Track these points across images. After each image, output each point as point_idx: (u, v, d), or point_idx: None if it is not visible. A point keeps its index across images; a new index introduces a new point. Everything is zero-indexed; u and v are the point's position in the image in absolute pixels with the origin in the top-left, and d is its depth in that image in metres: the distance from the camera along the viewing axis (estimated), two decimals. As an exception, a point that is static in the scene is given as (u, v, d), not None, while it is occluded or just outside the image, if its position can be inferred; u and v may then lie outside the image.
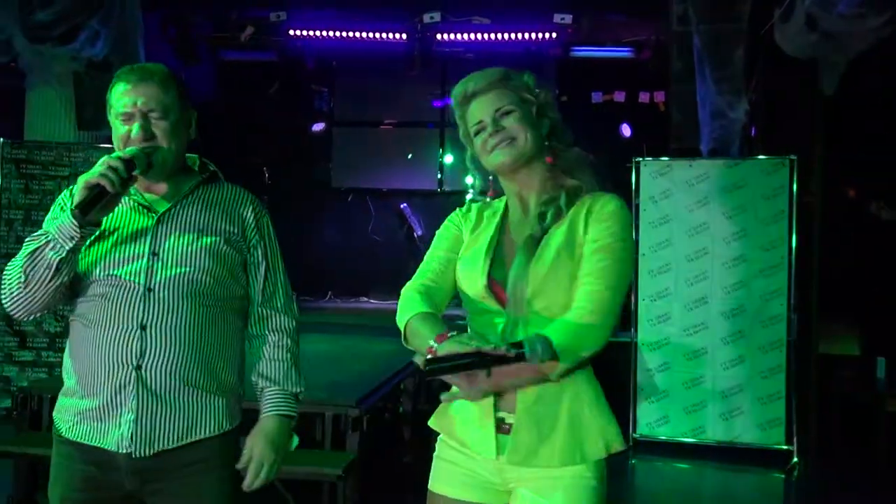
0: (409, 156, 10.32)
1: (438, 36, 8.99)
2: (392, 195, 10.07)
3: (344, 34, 9.24)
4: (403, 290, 2.09)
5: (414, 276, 2.12)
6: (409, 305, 2.02)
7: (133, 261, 2.11)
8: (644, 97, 9.05)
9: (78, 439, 2.11)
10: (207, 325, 2.15)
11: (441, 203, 9.98)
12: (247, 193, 2.33)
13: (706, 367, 6.22)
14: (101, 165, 2.01)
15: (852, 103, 6.71)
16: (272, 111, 9.99)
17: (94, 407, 2.09)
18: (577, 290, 1.91)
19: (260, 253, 2.28)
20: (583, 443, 1.94)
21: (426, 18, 8.66)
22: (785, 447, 6.03)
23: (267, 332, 2.30)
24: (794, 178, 6.10)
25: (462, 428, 2.02)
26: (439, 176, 10.05)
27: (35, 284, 2.06)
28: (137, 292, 2.09)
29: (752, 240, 6.15)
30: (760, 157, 6.33)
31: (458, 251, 2.11)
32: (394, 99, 10.18)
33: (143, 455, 2.07)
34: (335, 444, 4.19)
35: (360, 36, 9.24)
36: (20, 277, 2.07)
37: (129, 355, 2.07)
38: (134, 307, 2.08)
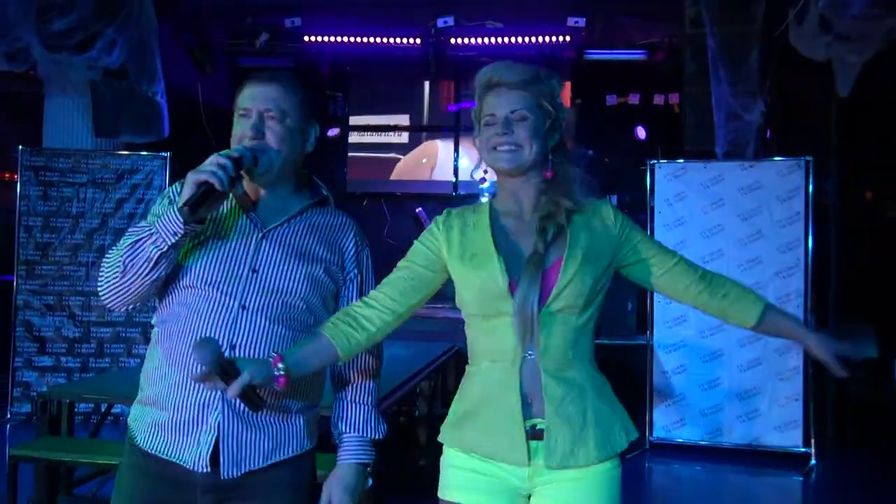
0: (424, 160, 10.34)
1: (452, 40, 9.00)
2: (407, 199, 10.08)
3: (358, 39, 9.28)
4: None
5: (375, 289, 2.12)
6: (330, 320, 2.05)
7: (232, 273, 2.06)
8: (659, 99, 9.04)
9: (154, 451, 2.05)
10: (292, 344, 2.07)
11: (456, 207, 9.98)
12: (351, 222, 2.27)
13: (723, 370, 6.20)
14: (209, 163, 1.97)
15: (867, 105, 6.68)
16: (287, 117, 10.01)
17: (174, 421, 2.03)
18: (685, 276, 2.16)
19: (356, 287, 2.22)
20: (610, 435, 1.99)
21: (440, 23, 8.68)
22: (802, 450, 6.00)
23: (351, 372, 2.23)
24: (811, 180, 6.08)
25: (485, 439, 2.00)
26: (454, 180, 10.06)
27: (132, 276, 2.00)
28: (231, 309, 2.04)
29: (768, 241, 6.13)
30: (776, 158, 6.31)
31: (435, 266, 2.10)
32: (408, 103, 10.21)
33: (230, 476, 2.01)
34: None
35: (375, 41, 9.27)
36: (118, 267, 2.01)
37: None
38: (226, 325, 2.02)
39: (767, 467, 6.02)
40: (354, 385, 2.22)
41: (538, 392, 1.96)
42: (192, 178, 1.97)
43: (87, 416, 6.24)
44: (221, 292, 2.04)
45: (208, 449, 1.99)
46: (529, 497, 2.01)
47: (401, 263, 2.15)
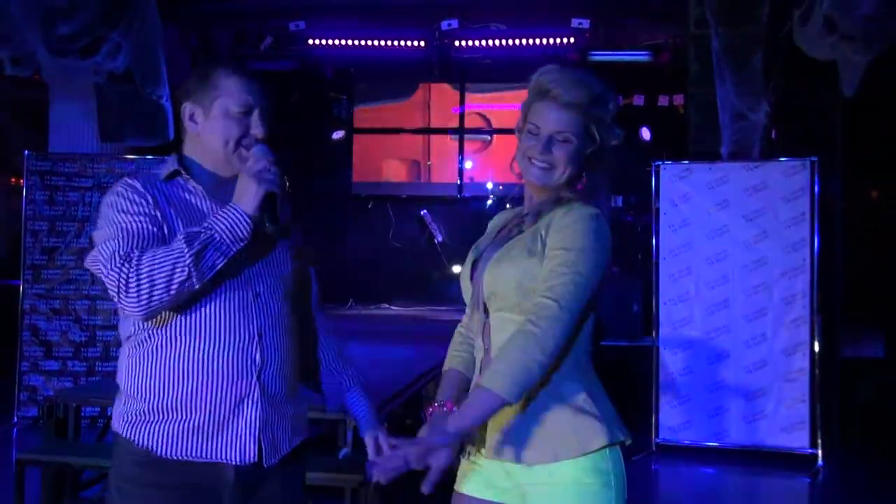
0: (429, 162, 10.34)
1: (456, 42, 9.01)
2: (412, 202, 10.09)
3: (362, 42, 9.30)
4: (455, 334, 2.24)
5: (465, 316, 2.22)
6: (448, 354, 2.20)
7: (237, 265, 2.04)
8: (663, 100, 9.04)
9: (180, 456, 2.00)
10: (295, 331, 2.17)
11: (461, 209, 10.00)
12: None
13: (729, 371, 6.18)
14: (269, 171, 2.00)
15: (872, 105, 6.67)
16: (292, 120, 10.06)
17: (208, 420, 2.00)
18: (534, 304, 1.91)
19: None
20: (555, 442, 1.93)
21: (444, 26, 8.70)
22: (809, 451, 5.99)
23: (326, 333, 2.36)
24: (816, 180, 6.06)
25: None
26: (459, 182, 10.06)
27: (187, 288, 1.92)
28: (248, 298, 2.05)
29: (774, 242, 6.12)
30: (781, 159, 6.30)
31: None
32: (413, 106, 10.22)
33: (270, 463, 2.07)
34: (357, 450, 4.20)
35: (379, 44, 9.29)
36: (180, 276, 1.89)
37: (252, 364, 2.03)
38: (249, 315, 2.04)
39: (774, 469, 6.00)
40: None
41: None
42: (260, 189, 1.97)
43: (94, 419, 6.24)
44: (237, 285, 2.05)
45: (255, 440, 2.03)
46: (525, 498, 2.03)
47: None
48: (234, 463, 2.02)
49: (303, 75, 9.95)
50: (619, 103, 2.10)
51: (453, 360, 2.18)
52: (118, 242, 1.95)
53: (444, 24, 8.68)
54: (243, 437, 2.02)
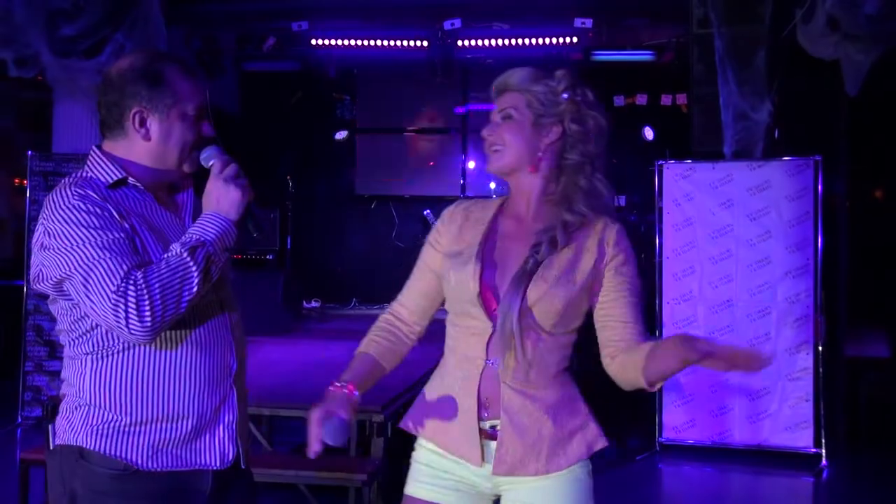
0: (432, 163, 10.34)
1: (459, 42, 9.00)
2: (415, 202, 10.09)
3: (365, 42, 9.29)
4: (382, 316, 2.21)
5: (396, 301, 2.20)
6: (367, 336, 2.17)
7: None
8: (666, 100, 9.01)
9: (168, 467, 1.96)
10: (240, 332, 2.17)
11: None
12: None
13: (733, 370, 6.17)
14: (240, 175, 1.98)
15: (876, 103, 6.66)
16: (295, 120, 10.06)
17: (193, 428, 1.98)
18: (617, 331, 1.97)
19: None
20: (566, 447, 1.98)
21: (447, 25, 8.69)
22: (813, 450, 5.98)
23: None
24: (820, 179, 6.05)
25: (444, 433, 2.03)
26: (462, 182, 10.06)
27: (189, 303, 1.88)
28: (216, 304, 2.04)
29: (777, 241, 6.11)
30: (784, 158, 6.29)
31: (438, 260, 2.11)
32: (416, 106, 10.21)
33: (246, 463, 2.10)
34: (360, 450, 4.21)
35: (382, 44, 9.28)
36: (189, 293, 1.85)
37: (228, 369, 2.05)
38: (221, 321, 2.05)
39: (778, 468, 5.99)
40: None
41: (496, 399, 1.97)
42: (245, 197, 1.96)
43: (98, 419, 6.25)
44: (210, 291, 2.01)
45: (233, 442, 2.04)
46: (498, 499, 2.04)
47: (417, 264, 2.19)
48: (215, 467, 2.02)
49: (305, 76, 9.95)
50: (571, 79, 2.03)
51: (371, 344, 2.13)
52: (109, 264, 1.81)
53: (447, 24, 8.67)
54: (223, 441, 2.03)
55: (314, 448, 1.87)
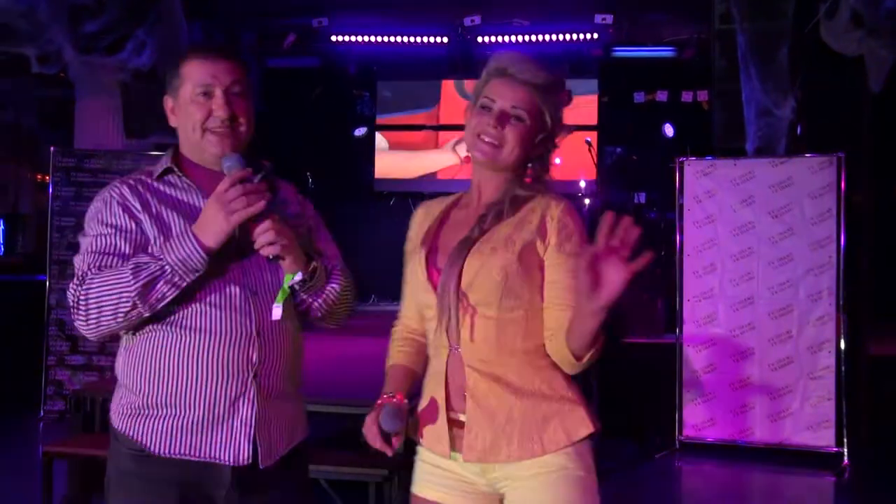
0: (449, 156, 10.34)
1: (479, 39, 9.01)
2: (434, 198, 10.10)
3: (385, 39, 9.31)
4: (394, 328, 2.21)
5: (399, 317, 2.20)
6: (391, 349, 2.18)
7: (234, 262, 2.00)
8: (687, 96, 8.98)
9: (179, 455, 1.96)
10: (295, 329, 2.10)
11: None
12: (289, 183, 2.28)
13: (753, 368, 6.14)
14: (237, 200, 1.89)
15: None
16: (315, 116, 10.08)
17: (204, 418, 1.96)
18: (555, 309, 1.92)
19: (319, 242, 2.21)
20: (541, 432, 1.90)
21: (467, 22, 8.69)
22: (835, 449, 5.93)
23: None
24: (843, 176, 6.00)
25: (424, 428, 2.02)
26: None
27: (135, 315, 1.90)
28: (245, 296, 1.99)
29: (799, 239, 6.06)
30: (807, 155, 6.24)
31: None
32: (435, 102, 10.22)
33: (266, 465, 2.00)
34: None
35: (402, 40, 9.30)
36: (125, 307, 1.88)
37: (248, 363, 1.98)
38: (247, 312, 1.98)
39: (799, 467, 5.95)
40: None
41: (464, 385, 1.94)
42: (229, 222, 1.89)
43: (119, 414, 6.29)
44: (233, 283, 1.99)
45: (250, 440, 1.97)
46: (502, 499, 1.98)
47: (404, 274, 2.14)
48: (228, 463, 1.97)
49: (325, 72, 9.98)
50: (570, 96, 2.03)
51: (398, 355, 2.15)
52: (83, 258, 1.95)
53: (467, 20, 8.68)
54: (238, 436, 1.97)
55: (371, 434, 1.94)
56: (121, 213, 1.98)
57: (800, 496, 5.80)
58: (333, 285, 2.08)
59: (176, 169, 2.06)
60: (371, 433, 1.94)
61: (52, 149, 7.02)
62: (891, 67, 5.56)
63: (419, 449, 2.07)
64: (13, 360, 7.36)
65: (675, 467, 6.07)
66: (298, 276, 1.99)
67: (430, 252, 2.02)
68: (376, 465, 3.90)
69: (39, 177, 12.27)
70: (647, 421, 6.30)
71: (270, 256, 1.95)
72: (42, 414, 6.74)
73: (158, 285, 1.88)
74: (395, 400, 1.99)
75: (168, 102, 2.09)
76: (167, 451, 1.96)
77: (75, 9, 6.30)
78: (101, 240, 1.96)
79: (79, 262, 1.96)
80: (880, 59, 5.59)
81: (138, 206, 1.99)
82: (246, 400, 1.98)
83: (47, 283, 6.86)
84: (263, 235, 1.93)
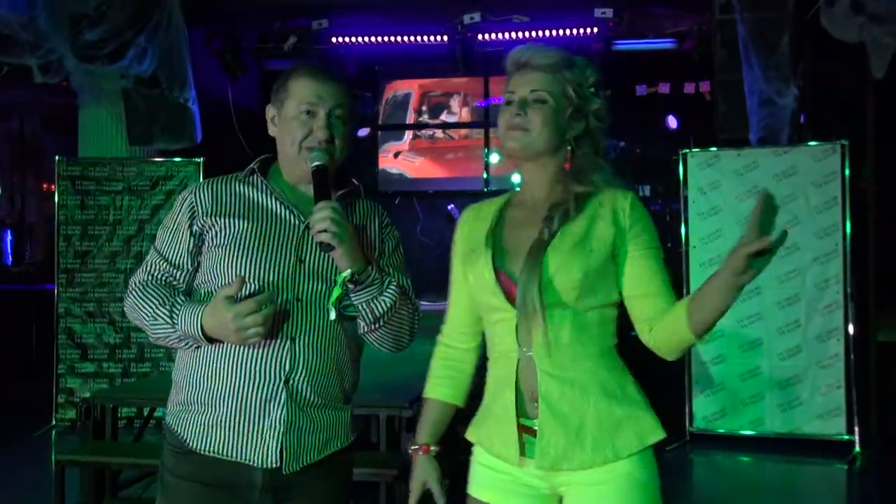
0: (453, 157, 10.34)
1: (479, 36, 8.99)
2: (438, 197, 10.09)
3: (385, 39, 9.30)
4: (436, 345, 2.17)
5: (444, 324, 2.15)
6: (429, 379, 2.14)
7: (279, 266, 2.03)
8: (689, 88, 8.94)
9: (210, 452, 2.02)
10: (342, 338, 2.10)
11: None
12: (374, 206, 2.25)
13: (762, 358, 6.14)
14: (245, 328, 1.94)
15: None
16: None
17: (235, 419, 2.01)
18: (656, 298, 1.92)
19: (390, 267, 2.19)
20: (614, 438, 1.87)
21: (466, 19, 8.68)
22: (846, 437, 5.93)
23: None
24: (847, 164, 5.99)
25: (491, 436, 1.99)
26: (485, 176, 10.05)
27: (153, 339, 2.13)
28: (286, 301, 2.01)
29: (805, 227, 6.06)
30: (810, 143, 6.23)
31: (461, 268, 2.07)
32: (437, 100, 10.22)
33: (291, 470, 2.01)
34: (390, 445, 4.22)
35: (402, 40, 9.29)
36: (142, 325, 2.12)
37: (279, 368, 2.00)
38: (282, 318, 2.00)
39: (811, 456, 5.95)
40: None
41: (536, 390, 1.90)
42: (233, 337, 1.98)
43: (130, 420, 6.32)
44: (272, 286, 2.02)
45: (277, 443, 2.00)
46: (561, 499, 1.95)
47: (451, 281, 2.12)
48: (257, 465, 2.00)
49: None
50: (598, 74, 2.03)
51: (435, 389, 2.11)
52: (143, 267, 2.15)
53: (467, 18, 8.66)
54: (266, 439, 2.00)
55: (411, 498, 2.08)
56: (185, 222, 2.09)
57: (812, 485, 5.80)
58: (385, 298, 2.06)
59: (258, 171, 2.13)
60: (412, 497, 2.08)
61: (56, 158, 7.04)
62: (893, 53, 5.54)
63: (476, 450, 2.05)
64: (24, 369, 7.40)
65: (687, 459, 6.07)
66: (347, 272, 1.99)
67: (496, 254, 1.98)
68: (387, 465, 3.91)
69: (45, 186, 12.31)
70: (656, 413, 6.29)
71: (322, 243, 1.96)
72: (54, 422, 6.77)
73: (170, 337, 2.05)
74: (421, 455, 2.07)
75: (270, 111, 2.15)
76: (202, 447, 2.03)
77: (76, 18, 6.31)
78: (156, 262, 2.12)
79: (142, 265, 2.15)
80: (882, 45, 5.57)
81: (208, 206, 2.08)
82: (277, 404, 2.00)
83: (56, 292, 6.89)
84: (319, 222, 1.95)
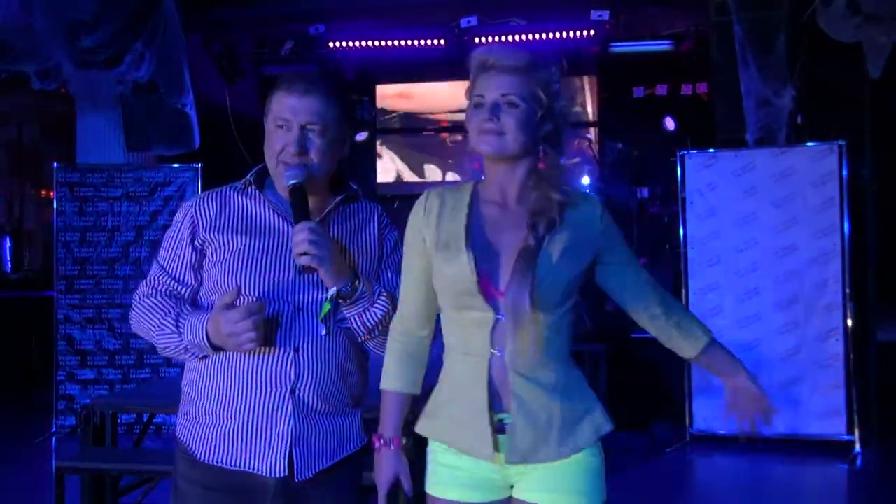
0: (451, 160, 10.34)
1: (476, 39, 9.00)
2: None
3: (382, 43, 9.31)
4: (389, 338, 2.12)
5: (395, 316, 2.12)
6: (388, 370, 2.10)
7: (279, 278, 2.06)
8: (686, 89, 8.95)
9: (218, 463, 2.05)
10: (346, 344, 2.12)
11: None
12: (374, 207, 2.27)
13: (761, 360, 6.13)
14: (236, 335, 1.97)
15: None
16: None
17: (242, 429, 2.03)
18: (650, 293, 2.09)
19: (388, 269, 2.22)
20: (575, 433, 1.97)
21: (463, 23, 8.68)
22: (846, 437, 5.93)
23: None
24: (844, 164, 6.00)
25: (456, 432, 1.99)
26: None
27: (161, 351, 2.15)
28: (288, 312, 2.04)
29: (803, 228, 6.06)
30: (808, 143, 6.24)
31: (426, 258, 2.05)
32: (434, 104, 10.22)
33: (303, 478, 2.04)
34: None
35: (399, 44, 9.29)
36: (149, 338, 2.14)
37: (284, 378, 2.02)
38: (288, 329, 2.03)
39: (811, 456, 5.95)
40: None
41: (506, 388, 1.94)
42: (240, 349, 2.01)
43: (130, 426, 6.32)
44: (272, 297, 2.04)
45: (285, 453, 2.02)
46: (512, 487, 2.02)
47: (404, 267, 2.10)
48: (266, 475, 2.02)
49: (329, 74, 9.98)
50: (560, 69, 2.03)
51: (399, 378, 2.09)
52: (147, 280, 2.17)
53: (464, 22, 8.66)
54: (274, 449, 2.02)
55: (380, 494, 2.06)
56: (187, 236, 2.12)
57: (813, 485, 5.80)
58: (375, 310, 2.10)
59: (253, 183, 2.16)
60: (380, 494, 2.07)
61: (54, 164, 7.04)
62: (890, 53, 5.55)
63: (433, 450, 2.06)
64: (24, 376, 7.39)
65: (687, 460, 6.07)
66: (332, 290, 2.03)
67: (476, 255, 1.97)
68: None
69: (44, 192, 12.31)
70: (656, 414, 6.29)
71: (303, 266, 2.00)
72: (54, 429, 6.76)
73: (177, 348, 2.08)
74: (391, 449, 2.06)
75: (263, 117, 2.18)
76: (210, 458, 2.05)
77: (73, 24, 6.30)
78: (159, 276, 2.14)
79: (146, 279, 2.17)
80: (878, 45, 5.58)
81: (209, 220, 2.11)
82: (283, 415, 2.02)
83: (55, 299, 6.88)
84: (298, 245, 1.99)
